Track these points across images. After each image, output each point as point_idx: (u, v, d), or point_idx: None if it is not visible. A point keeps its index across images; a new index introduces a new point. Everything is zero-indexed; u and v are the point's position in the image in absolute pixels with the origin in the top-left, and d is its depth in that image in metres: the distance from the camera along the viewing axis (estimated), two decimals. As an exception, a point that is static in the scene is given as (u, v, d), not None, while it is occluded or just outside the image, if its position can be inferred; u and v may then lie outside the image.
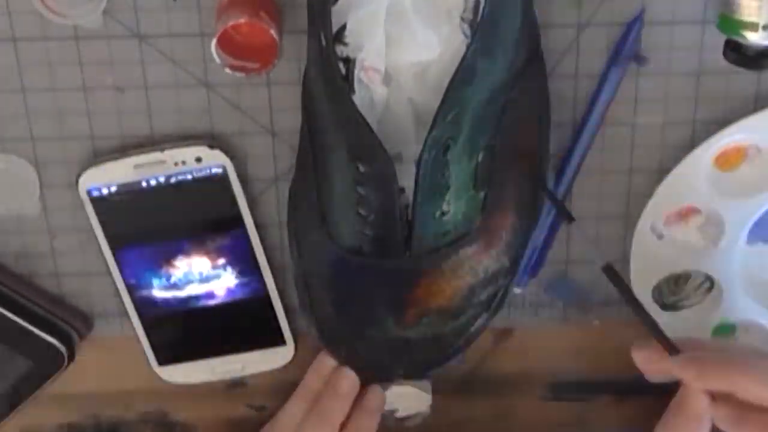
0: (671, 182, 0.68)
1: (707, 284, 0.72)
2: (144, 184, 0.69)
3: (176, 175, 0.69)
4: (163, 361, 0.75)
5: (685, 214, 0.70)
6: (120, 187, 0.69)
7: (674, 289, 0.73)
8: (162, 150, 0.68)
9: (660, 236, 0.70)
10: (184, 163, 0.68)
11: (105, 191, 0.69)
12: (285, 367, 0.76)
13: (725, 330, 0.74)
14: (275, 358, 0.76)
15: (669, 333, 0.71)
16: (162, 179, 0.69)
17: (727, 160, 0.69)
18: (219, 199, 0.69)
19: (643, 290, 0.72)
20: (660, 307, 0.73)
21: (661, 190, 0.68)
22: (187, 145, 0.68)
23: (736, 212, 0.70)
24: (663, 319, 0.72)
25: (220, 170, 0.68)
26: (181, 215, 0.70)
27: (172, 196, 0.69)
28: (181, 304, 0.73)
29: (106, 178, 0.69)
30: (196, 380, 0.76)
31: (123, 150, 0.69)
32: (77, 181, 0.69)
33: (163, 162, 0.68)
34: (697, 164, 0.68)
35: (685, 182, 0.68)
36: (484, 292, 0.67)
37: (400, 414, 0.75)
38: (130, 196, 0.69)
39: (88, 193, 0.69)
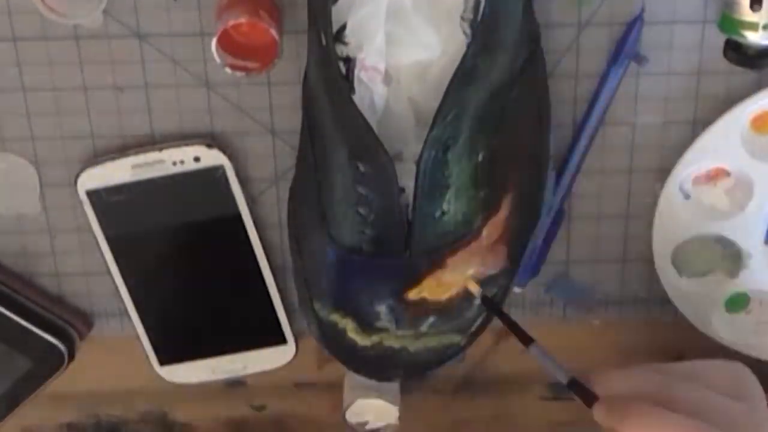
0: (705, 141, 0.68)
1: (729, 250, 0.72)
2: (143, 183, 0.69)
3: (175, 174, 0.69)
4: (164, 361, 0.75)
5: (714, 175, 0.70)
6: (119, 187, 0.69)
7: (695, 253, 0.73)
8: (160, 150, 0.68)
9: (687, 196, 0.70)
10: (182, 162, 0.68)
11: (104, 191, 0.69)
12: (286, 366, 0.76)
13: (738, 301, 0.74)
14: (276, 357, 0.76)
15: (682, 300, 0.73)
16: (161, 179, 0.69)
17: (763, 123, 0.68)
18: (218, 198, 0.69)
19: (663, 251, 0.72)
20: (678, 271, 0.73)
21: (694, 148, 0.68)
22: (186, 145, 0.68)
23: (766, 176, 0.69)
24: (680, 284, 0.73)
25: (218, 170, 0.69)
26: (180, 215, 0.70)
27: (171, 196, 0.69)
28: (182, 304, 0.73)
29: (105, 178, 0.69)
30: (198, 380, 0.76)
31: (121, 150, 0.69)
32: (76, 182, 0.69)
33: (161, 162, 0.68)
34: (733, 124, 0.68)
35: (719, 142, 0.68)
36: (484, 291, 0.67)
37: (370, 426, 0.75)
38: (129, 196, 0.69)
39: (87, 193, 0.69)
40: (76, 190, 0.69)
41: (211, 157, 0.68)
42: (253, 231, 0.71)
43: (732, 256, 0.72)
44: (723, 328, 0.74)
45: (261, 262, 0.72)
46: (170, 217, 0.70)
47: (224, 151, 0.68)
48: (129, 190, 0.69)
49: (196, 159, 0.68)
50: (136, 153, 0.68)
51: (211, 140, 0.69)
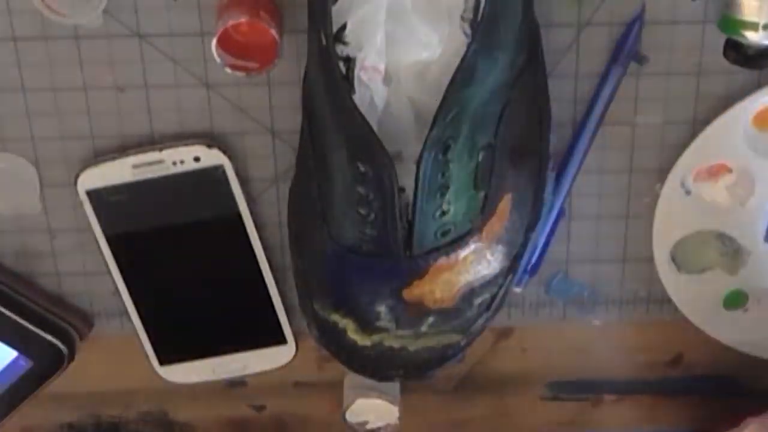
0: (707, 136, 0.68)
1: (729, 247, 0.72)
2: (143, 184, 0.69)
3: (175, 174, 0.68)
4: (164, 361, 0.75)
5: (716, 172, 0.70)
6: (119, 187, 0.69)
7: (695, 249, 0.73)
8: (160, 150, 0.68)
9: (688, 192, 0.70)
10: (182, 162, 0.68)
11: (104, 192, 0.69)
12: (286, 366, 0.76)
13: (736, 299, 0.74)
14: (276, 357, 0.76)
15: (680, 296, 0.73)
16: (161, 179, 0.69)
17: (765, 120, 0.68)
18: (218, 198, 0.69)
19: (663, 246, 0.72)
20: (677, 267, 0.73)
21: (697, 143, 0.68)
22: (185, 145, 0.68)
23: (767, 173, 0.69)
24: (678, 281, 0.73)
25: (218, 169, 0.69)
26: (180, 215, 0.70)
27: (172, 196, 0.69)
28: (182, 304, 0.73)
29: (105, 178, 0.69)
30: (198, 380, 0.76)
31: (121, 150, 0.69)
32: (76, 182, 0.69)
33: (161, 162, 0.68)
34: (735, 121, 0.68)
35: (722, 138, 0.68)
36: (484, 291, 0.67)
37: (370, 426, 0.75)
38: (129, 196, 0.69)
39: (87, 193, 0.69)
40: (76, 190, 0.69)
41: (211, 157, 0.68)
42: (253, 231, 0.71)
43: (731, 253, 0.72)
44: (720, 325, 0.74)
45: (261, 262, 0.72)
46: (170, 217, 0.70)
47: (224, 151, 0.68)
48: (129, 190, 0.69)
49: (196, 159, 0.68)
50: (136, 153, 0.68)
51: (211, 140, 0.69)
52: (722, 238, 0.72)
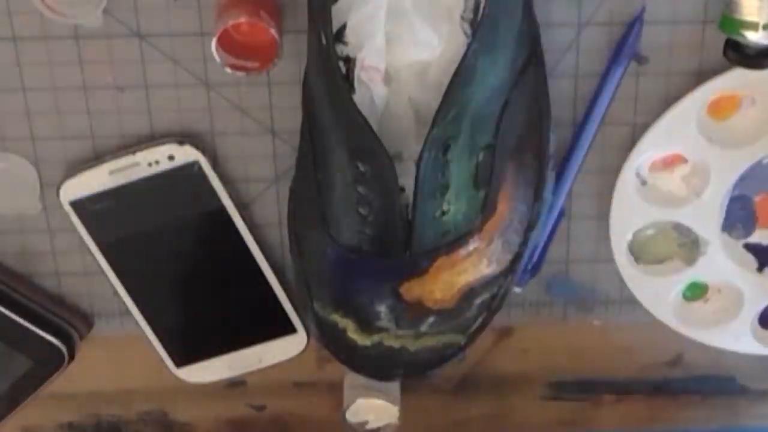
0: (662, 127, 0.68)
1: (686, 238, 0.72)
2: (123, 188, 0.68)
3: (153, 175, 0.68)
4: (180, 362, 0.75)
5: (671, 162, 0.70)
6: (101, 194, 0.68)
7: (652, 240, 0.72)
8: (133, 153, 0.68)
9: (643, 182, 0.70)
10: (157, 162, 0.68)
11: (87, 201, 0.69)
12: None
13: (696, 289, 0.74)
14: (290, 346, 0.75)
15: (640, 288, 0.73)
16: (140, 181, 0.68)
17: (720, 109, 0.68)
18: (200, 193, 0.69)
19: (621, 238, 0.71)
20: (635, 259, 0.73)
21: (651, 134, 0.68)
22: (158, 145, 0.68)
23: (723, 162, 0.69)
24: (637, 272, 0.72)
25: (194, 165, 0.68)
26: (167, 214, 0.70)
27: (155, 197, 0.69)
28: (188, 303, 0.73)
29: (85, 187, 0.68)
30: (217, 378, 0.76)
31: (97, 157, 0.69)
32: (58, 195, 0.68)
33: (137, 164, 0.68)
34: (690, 110, 0.67)
35: (677, 128, 0.68)
36: (484, 291, 0.67)
37: (370, 426, 0.75)
38: (113, 202, 0.69)
39: (71, 205, 0.69)
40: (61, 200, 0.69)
41: (185, 154, 0.68)
42: (241, 223, 0.70)
43: (689, 244, 0.72)
44: (681, 316, 0.74)
45: (255, 254, 0.72)
46: (158, 218, 0.70)
47: (197, 147, 0.68)
48: (111, 196, 0.68)
49: (171, 158, 0.68)
50: (111, 159, 0.68)
51: (183, 137, 0.68)
52: (679, 228, 0.71)
